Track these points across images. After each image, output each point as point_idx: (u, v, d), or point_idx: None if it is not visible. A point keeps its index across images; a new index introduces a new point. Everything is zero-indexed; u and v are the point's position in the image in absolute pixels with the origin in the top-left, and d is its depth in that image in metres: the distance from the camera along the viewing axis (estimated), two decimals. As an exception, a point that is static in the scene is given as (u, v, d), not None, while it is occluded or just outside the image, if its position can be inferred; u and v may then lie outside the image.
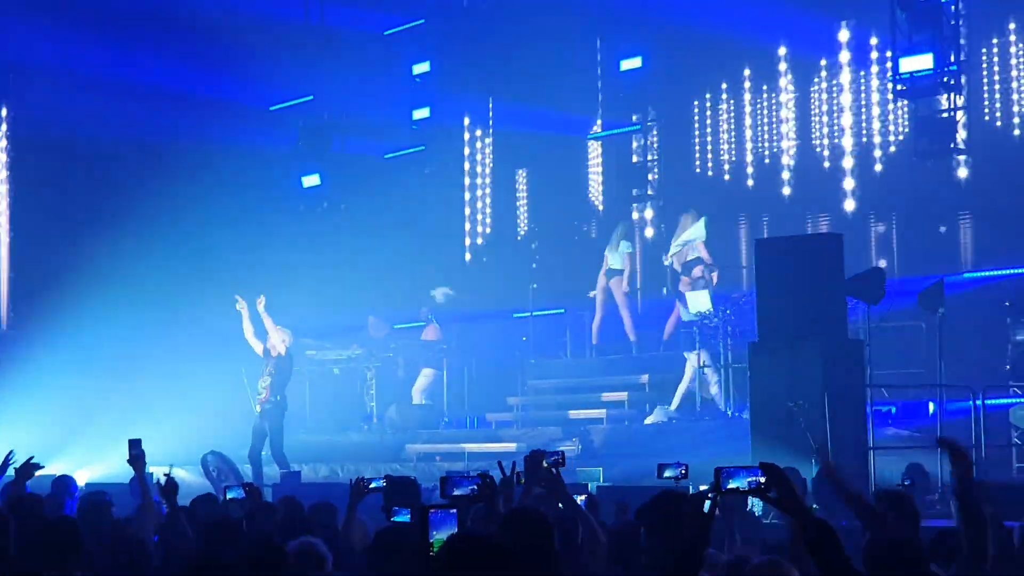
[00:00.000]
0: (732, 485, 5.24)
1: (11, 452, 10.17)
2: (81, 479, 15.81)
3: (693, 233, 18.33)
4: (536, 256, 22.90)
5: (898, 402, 15.74)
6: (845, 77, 20.04)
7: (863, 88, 19.89)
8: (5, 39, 22.70)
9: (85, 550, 6.84)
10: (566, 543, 6.24)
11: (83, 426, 19.77)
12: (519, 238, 22.96)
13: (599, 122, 21.97)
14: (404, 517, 7.02)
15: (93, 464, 18.27)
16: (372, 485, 8.30)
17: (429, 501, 7.85)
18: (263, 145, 22.98)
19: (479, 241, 23.42)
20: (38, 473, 9.72)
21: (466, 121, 23.69)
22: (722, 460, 12.40)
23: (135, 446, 8.86)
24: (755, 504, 10.22)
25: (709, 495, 5.40)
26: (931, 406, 15.17)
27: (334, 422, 20.59)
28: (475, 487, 6.81)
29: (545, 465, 7.19)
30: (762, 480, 5.14)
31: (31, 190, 23.29)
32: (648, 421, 17.50)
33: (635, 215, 21.92)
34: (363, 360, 20.37)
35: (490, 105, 22.11)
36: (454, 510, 5.13)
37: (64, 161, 22.84)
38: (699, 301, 17.56)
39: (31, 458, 9.66)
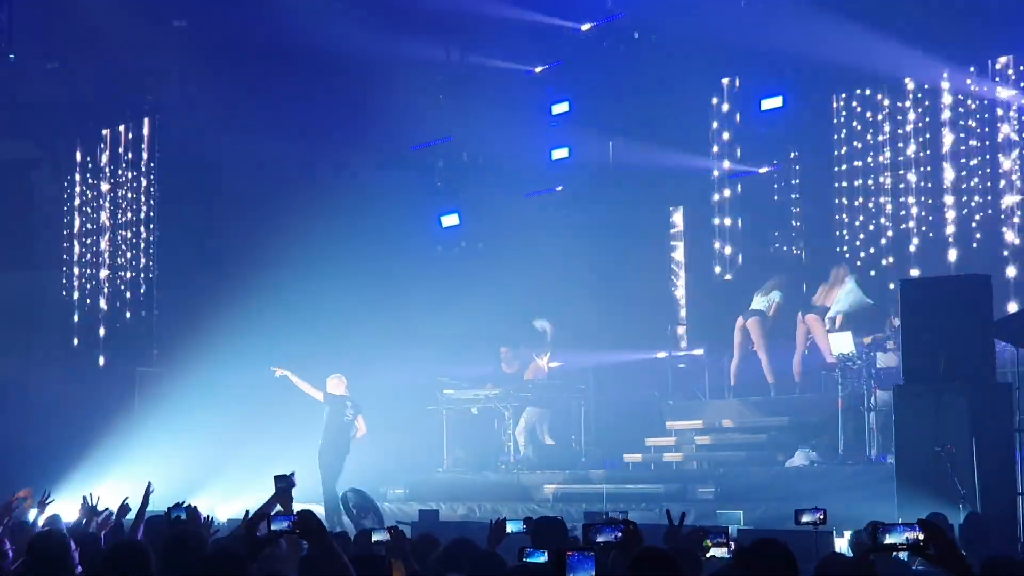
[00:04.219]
0: (889, 540, 5.21)
1: (148, 484, 10.22)
2: (223, 515, 16.05)
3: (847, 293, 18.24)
4: (675, 297, 22.73)
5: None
6: (994, 119, 19.36)
7: (1013, 131, 19.21)
8: (153, 79, 23.28)
9: None
10: None
11: (225, 462, 20.05)
12: (656, 279, 22.78)
13: (734, 162, 21.78)
14: (537, 558, 6.89)
15: (233, 500, 18.47)
16: (509, 530, 8.18)
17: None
18: (403, 184, 23.20)
19: (617, 281, 23.27)
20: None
21: (604, 161, 23.60)
22: (865, 505, 12.27)
23: (281, 480, 8.66)
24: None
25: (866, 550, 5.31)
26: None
27: (471, 461, 20.62)
28: (619, 533, 6.55)
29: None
30: (921, 537, 5.16)
31: (176, 227, 23.77)
32: (790, 464, 17.24)
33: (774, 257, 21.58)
34: (500, 399, 20.36)
35: (628, 146, 22.00)
36: (592, 553, 5.02)
37: (208, 199, 23.31)
38: (842, 343, 17.29)
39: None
